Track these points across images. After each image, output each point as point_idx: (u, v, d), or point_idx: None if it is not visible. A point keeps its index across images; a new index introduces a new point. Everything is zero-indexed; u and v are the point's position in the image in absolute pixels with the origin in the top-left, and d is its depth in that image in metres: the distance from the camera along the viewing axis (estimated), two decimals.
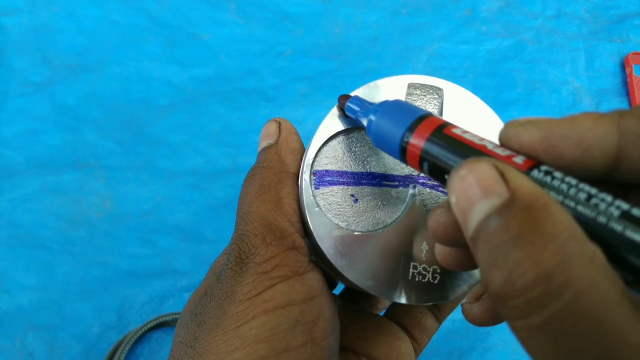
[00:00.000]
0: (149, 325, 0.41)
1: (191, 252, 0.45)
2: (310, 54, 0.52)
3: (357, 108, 0.21)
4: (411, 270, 0.21)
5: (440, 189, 0.23)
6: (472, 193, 0.14)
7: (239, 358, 0.18)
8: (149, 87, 0.50)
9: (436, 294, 0.21)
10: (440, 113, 0.23)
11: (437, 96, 0.23)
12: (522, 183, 0.13)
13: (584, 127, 0.14)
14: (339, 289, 0.35)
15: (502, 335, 0.45)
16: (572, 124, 0.15)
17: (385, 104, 0.20)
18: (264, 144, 0.24)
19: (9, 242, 0.44)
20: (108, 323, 0.43)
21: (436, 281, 0.21)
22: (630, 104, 0.54)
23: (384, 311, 0.30)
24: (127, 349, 0.40)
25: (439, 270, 0.22)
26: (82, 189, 0.46)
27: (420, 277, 0.21)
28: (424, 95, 0.23)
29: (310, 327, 0.20)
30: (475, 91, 0.24)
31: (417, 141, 0.18)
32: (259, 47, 0.52)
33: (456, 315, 0.45)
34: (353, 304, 0.29)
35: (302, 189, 0.22)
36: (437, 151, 0.17)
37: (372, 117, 0.20)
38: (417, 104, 0.23)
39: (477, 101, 0.24)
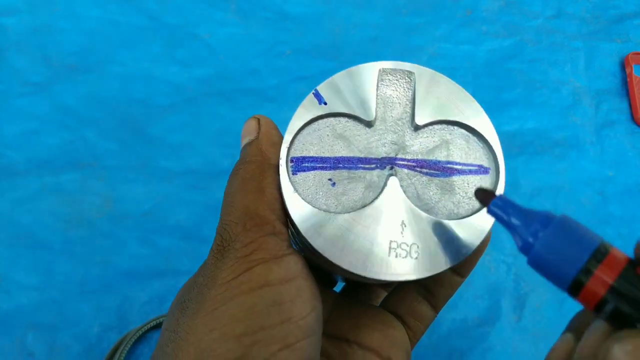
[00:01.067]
0: (149, 325, 0.41)
1: (191, 252, 0.45)
2: (310, 54, 0.52)
3: (512, 220, 0.18)
4: (390, 247, 0.22)
5: (418, 169, 0.23)
6: None
7: (216, 337, 0.19)
8: (149, 87, 0.50)
9: (417, 269, 0.22)
10: (413, 96, 0.24)
11: (409, 80, 0.24)
12: None
13: None
14: (339, 287, 0.35)
15: (502, 335, 0.45)
16: None
17: (550, 221, 0.17)
18: (245, 140, 0.24)
19: (9, 242, 0.44)
20: (108, 323, 0.43)
21: (416, 257, 0.22)
22: (630, 104, 0.54)
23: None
24: (127, 349, 0.40)
25: (418, 247, 0.22)
26: (82, 189, 0.46)
27: (401, 254, 0.22)
28: (397, 80, 0.24)
29: (287, 307, 0.20)
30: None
31: (602, 279, 0.15)
32: (259, 47, 0.52)
33: (456, 315, 0.45)
34: (349, 297, 0.29)
35: (280, 176, 0.22)
36: (629, 296, 0.15)
37: (531, 240, 0.17)
38: (390, 89, 0.24)
39: (449, 83, 0.24)
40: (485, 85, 0.53)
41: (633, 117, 0.53)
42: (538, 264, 0.17)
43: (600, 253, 0.16)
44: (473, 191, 0.23)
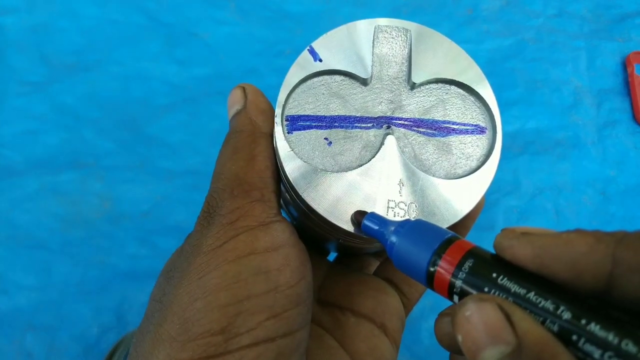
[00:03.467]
0: None
1: None
2: None
3: (375, 227, 0.20)
4: (388, 207, 0.21)
5: (414, 128, 0.23)
6: (479, 337, 0.14)
7: (200, 307, 0.18)
8: (148, 86, 0.50)
9: None
10: (410, 53, 0.23)
11: (405, 37, 0.24)
12: (529, 327, 0.13)
13: (578, 251, 0.14)
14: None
15: None
16: (567, 245, 0.14)
17: (406, 224, 0.19)
18: (232, 111, 0.24)
19: (8, 242, 0.44)
20: (107, 324, 0.42)
21: (415, 216, 0.21)
22: (631, 103, 0.54)
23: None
24: (126, 349, 0.40)
25: (416, 206, 0.22)
26: (81, 189, 0.46)
27: (399, 213, 0.21)
28: (392, 37, 0.24)
29: (274, 275, 0.19)
30: None
31: (445, 268, 0.17)
32: (258, 46, 0.52)
33: None
34: (343, 266, 0.29)
35: (275, 135, 0.22)
36: (469, 279, 0.16)
37: (394, 239, 0.19)
38: (386, 46, 0.23)
39: (446, 41, 0.24)
40: None
41: (634, 117, 0.53)
42: (399, 263, 0.18)
43: (447, 244, 0.17)
44: (470, 152, 0.23)
